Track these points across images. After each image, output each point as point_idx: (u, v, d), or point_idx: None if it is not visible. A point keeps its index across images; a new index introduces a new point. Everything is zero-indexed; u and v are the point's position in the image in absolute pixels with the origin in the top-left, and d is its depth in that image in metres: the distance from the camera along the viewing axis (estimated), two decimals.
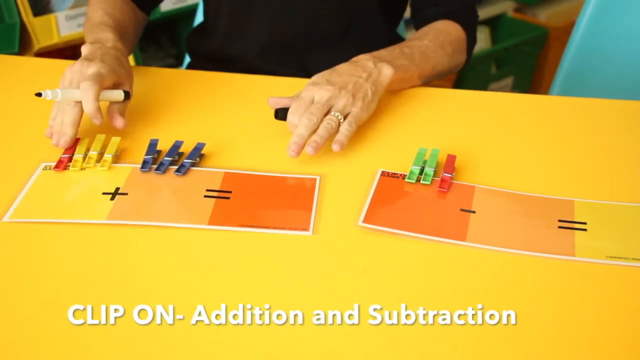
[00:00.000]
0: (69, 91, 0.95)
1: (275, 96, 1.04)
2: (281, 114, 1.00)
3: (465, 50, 1.22)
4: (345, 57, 1.24)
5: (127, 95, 1.01)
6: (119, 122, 0.99)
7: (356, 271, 0.79)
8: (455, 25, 1.20)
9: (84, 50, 1.03)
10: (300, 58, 1.25)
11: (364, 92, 1.01)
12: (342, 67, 1.05)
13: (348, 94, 1.00)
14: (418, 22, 1.23)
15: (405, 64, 1.09)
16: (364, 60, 1.06)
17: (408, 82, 1.12)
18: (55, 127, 0.97)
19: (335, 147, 0.95)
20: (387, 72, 1.05)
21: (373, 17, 1.26)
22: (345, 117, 0.99)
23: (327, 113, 0.98)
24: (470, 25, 1.22)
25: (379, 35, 1.28)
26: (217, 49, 1.28)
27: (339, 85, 1.00)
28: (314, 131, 0.96)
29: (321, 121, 0.97)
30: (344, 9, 1.23)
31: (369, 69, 1.04)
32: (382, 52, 1.09)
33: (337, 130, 0.97)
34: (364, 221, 0.86)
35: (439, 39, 1.16)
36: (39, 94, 0.94)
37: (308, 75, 1.20)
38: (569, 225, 0.86)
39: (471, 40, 1.23)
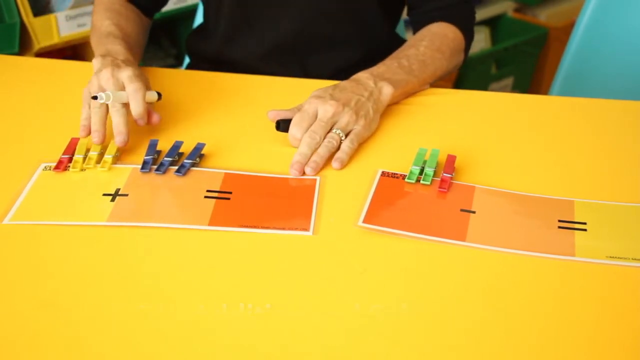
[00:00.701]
0: (119, 94, 0.97)
1: (275, 105, 1.04)
2: (283, 125, 1.00)
3: (463, 50, 1.22)
4: (346, 58, 1.24)
5: (160, 96, 1.05)
6: (156, 117, 1.01)
7: (356, 271, 0.79)
8: (451, 27, 1.19)
9: (96, 63, 1.02)
10: (300, 60, 1.25)
11: (365, 111, 1.01)
12: (344, 84, 1.05)
13: (351, 110, 1.00)
14: (414, 19, 1.23)
15: (405, 78, 1.09)
16: (365, 78, 1.06)
17: (408, 93, 1.12)
18: (93, 126, 0.97)
19: (335, 164, 0.96)
20: (387, 91, 1.05)
21: (373, 17, 1.25)
22: (346, 135, 0.99)
23: (329, 130, 0.99)
24: (466, 23, 1.22)
25: (379, 35, 1.27)
26: (216, 51, 1.28)
27: (343, 101, 1.00)
28: (316, 148, 0.96)
29: (323, 138, 0.97)
30: (344, 9, 1.22)
31: (370, 88, 1.04)
32: (381, 68, 1.09)
33: (337, 148, 0.98)
34: (364, 221, 0.86)
35: (435, 43, 1.16)
36: (94, 97, 0.96)
37: (307, 76, 1.20)
38: (569, 225, 0.86)
39: (469, 38, 1.22)
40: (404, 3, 1.29)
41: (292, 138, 0.98)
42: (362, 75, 1.07)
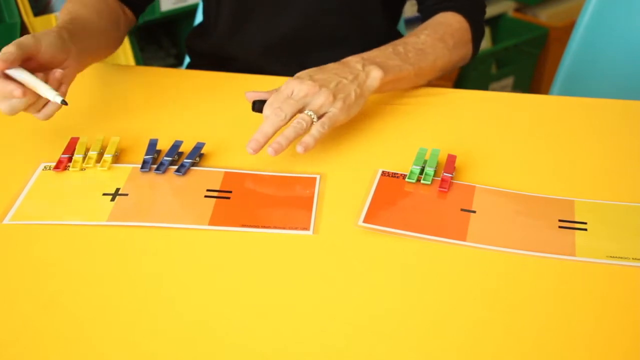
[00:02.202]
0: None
1: (255, 90, 1.02)
2: (258, 105, 0.98)
3: (470, 41, 1.18)
4: (346, 55, 1.23)
5: (64, 102, 0.92)
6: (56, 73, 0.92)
7: (357, 271, 0.79)
8: (457, 17, 1.16)
9: None
10: (301, 57, 1.24)
11: (346, 93, 0.98)
12: (330, 66, 1.02)
13: (328, 91, 0.96)
14: (423, 14, 1.21)
15: (398, 64, 1.06)
16: (353, 62, 1.03)
17: (403, 82, 1.09)
18: None
19: (299, 148, 0.91)
20: (375, 75, 1.01)
21: (374, 14, 1.25)
22: (320, 117, 0.96)
23: (302, 110, 0.95)
24: (474, 15, 1.18)
25: (380, 32, 1.27)
26: (216, 49, 1.28)
27: (321, 82, 0.97)
28: (280, 127, 0.93)
29: (293, 117, 0.94)
30: (345, 6, 1.22)
31: (356, 71, 1.01)
32: (374, 53, 1.06)
33: (305, 130, 0.93)
34: (364, 221, 0.86)
35: (438, 32, 1.12)
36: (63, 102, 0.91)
37: None
38: (569, 225, 0.86)
39: (477, 30, 1.18)
40: (404, 0, 1.29)
41: (265, 118, 0.95)
42: (352, 59, 1.04)
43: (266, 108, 0.96)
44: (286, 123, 0.94)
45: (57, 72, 0.94)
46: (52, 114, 0.95)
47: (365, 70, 1.02)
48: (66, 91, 0.95)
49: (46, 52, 0.93)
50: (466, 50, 1.18)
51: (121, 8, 1.21)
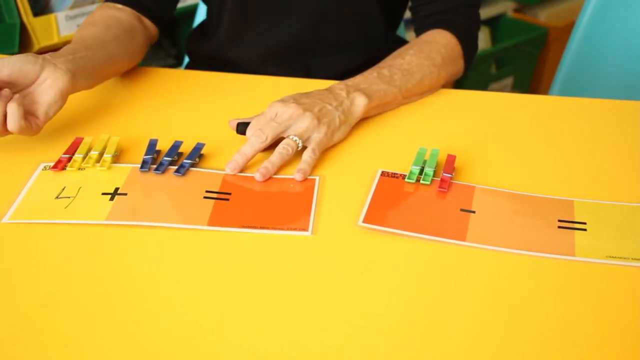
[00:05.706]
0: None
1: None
2: (241, 128, 0.99)
3: (461, 57, 1.17)
4: (347, 62, 1.23)
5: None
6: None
7: (356, 271, 0.79)
8: (444, 33, 1.15)
9: None
10: (301, 63, 1.24)
11: (330, 118, 0.98)
12: (314, 92, 1.02)
13: (312, 116, 0.96)
14: (415, 26, 1.21)
15: (383, 88, 1.05)
16: (337, 89, 1.03)
17: (390, 105, 1.08)
18: None
19: (297, 176, 0.92)
20: (360, 102, 1.02)
21: (374, 21, 1.25)
22: (304, 141, 0.96)
23: (284, 133, 0.96)
24: (464, 29, 1.17)
25: (381, 38, 1.27)
26: (216, 52, 1.27)
27: (305, 106, 0.97)
28: (260, 149, 0.94)
29: (274, 140, 0.95)
30: (346, 13, 1.22)
31: (341, 98, 1.01)
32: (358, 79, 1.06)
33: (291, 155, 0.95)
34: (364, 221, 0.86)
35: (424, 50, 1.12)
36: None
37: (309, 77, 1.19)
38: (569, 225, 0.86)
39: (468, 45, 1.17)
40: (405, 6, 1.29)
41: (247, 140, 0.96)
42: (336, 86, 1.04)
43: (249, 130, 0.97)
44: (268, 145, 0.95)
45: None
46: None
47: (350, 97, 1.02)
48: (44, 120, 0.94)
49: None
50: (457, 65, 1.17)
51: (139, 22, 1.18)
